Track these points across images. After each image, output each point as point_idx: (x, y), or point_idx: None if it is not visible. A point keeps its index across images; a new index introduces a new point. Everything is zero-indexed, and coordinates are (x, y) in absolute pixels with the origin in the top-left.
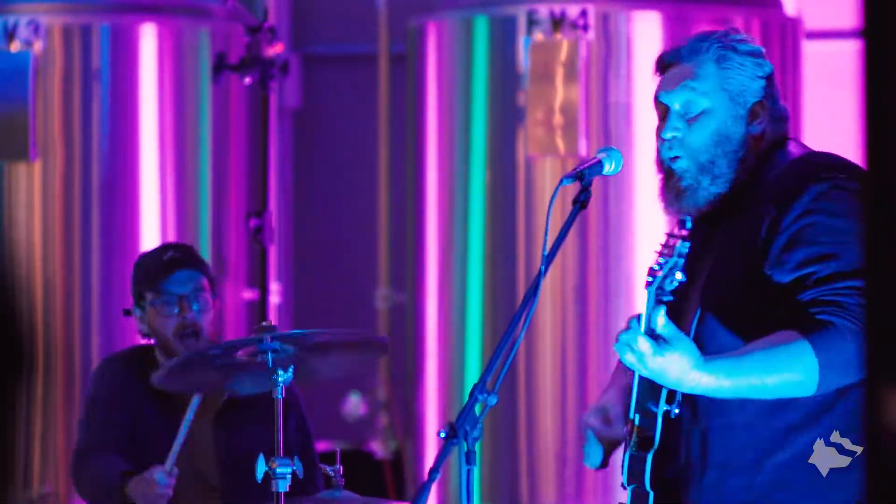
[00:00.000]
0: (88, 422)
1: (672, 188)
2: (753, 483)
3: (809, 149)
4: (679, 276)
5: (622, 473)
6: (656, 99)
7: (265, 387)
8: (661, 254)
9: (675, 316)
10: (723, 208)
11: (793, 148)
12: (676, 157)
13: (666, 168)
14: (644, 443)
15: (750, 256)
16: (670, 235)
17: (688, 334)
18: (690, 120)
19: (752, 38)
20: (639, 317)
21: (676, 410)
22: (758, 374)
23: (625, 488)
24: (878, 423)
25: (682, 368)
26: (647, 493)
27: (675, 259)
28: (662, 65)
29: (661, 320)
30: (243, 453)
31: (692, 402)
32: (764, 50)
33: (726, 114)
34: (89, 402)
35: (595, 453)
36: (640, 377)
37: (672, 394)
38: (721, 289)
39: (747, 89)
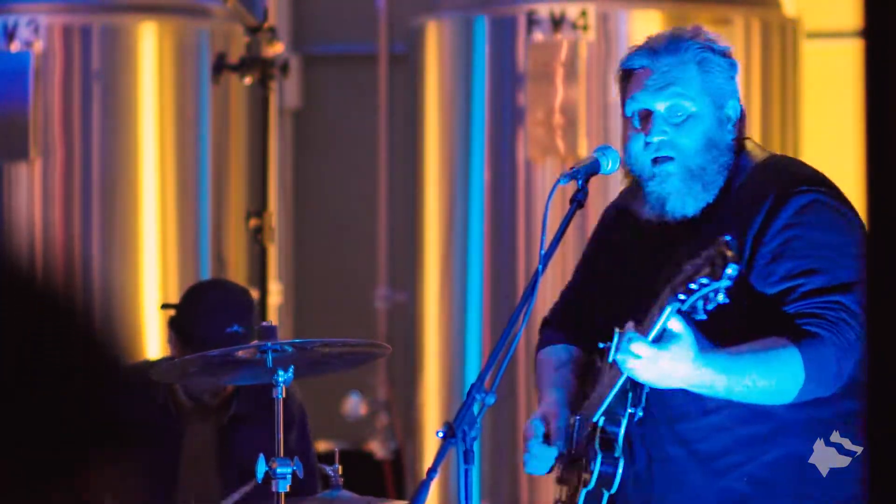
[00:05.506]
0: None
1: (651, 192)
2: (738, 484)
3: (766, 149)
4: (721, 297)
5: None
6: (632, 99)
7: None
8: (701, 271)
9: (641, 315)
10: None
11: (752, 148)
12: (666, 159)
13: (644, 171)
14: (606, 444)
15: None
16: (717, 254)
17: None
18: (677, 124)
19: (719, 36)
20: (639, 326)
21: (641, 413)
22: (751, 376)
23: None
24: (880, 426)
25: (684, 362)
26: (602, 493)
27: (723, 282)
28: (635, 63)
29: (678, 325)
30: (247, 468)
31: (662, 405)
32: (732, 48)
33: (712, 118)
34: None
35: (541, 463)
36: (619, 385)
37: (638, 397)
38: None
39: (726, 92)
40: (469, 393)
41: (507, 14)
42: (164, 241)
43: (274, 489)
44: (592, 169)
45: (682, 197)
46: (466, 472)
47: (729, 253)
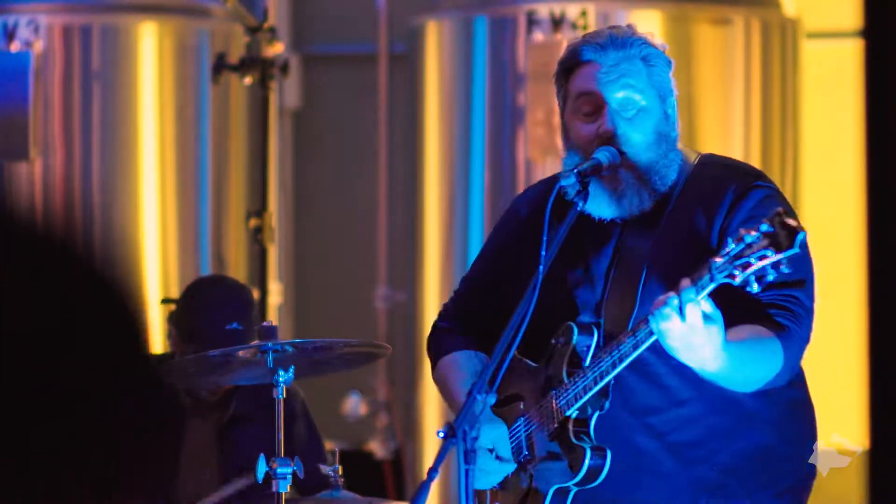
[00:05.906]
0: None
1: (606, 187)
2: (710, 473)
3: (696, 150)
4: (785, 267)
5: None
6: (581, 93)
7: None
8: (755, 246)
9: (613, 305)
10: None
11: (681, 147)
12: (619, 154)
13: (596, 166)
14: (579, 439)
15: (695, 254)
16: (778, 224)
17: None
18: (629, 118)
19: (652, 34)
20: (686, 292)
21: (607, 406)
22: (751, 367)
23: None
24: (880, 426)
25: (713, 345)
26: (569, 489)
27: (794, 250)
28: (581, 58)
29: (710, 308)
30: (247, 467)
31: (623, 397)
32: (667, 46)
33: (659, 112)
34: None
35: (493, 478)
36: (611, 377)
37: (606, 389)
38: (663, 285)
39: (668, 88)
40: (470, 393)
41: (507, 14)
42: (164, 242)
43: (274, 489)
44: (594, 169)
45: (639, 192)
46: (467, 472)
47: (794, 222)
